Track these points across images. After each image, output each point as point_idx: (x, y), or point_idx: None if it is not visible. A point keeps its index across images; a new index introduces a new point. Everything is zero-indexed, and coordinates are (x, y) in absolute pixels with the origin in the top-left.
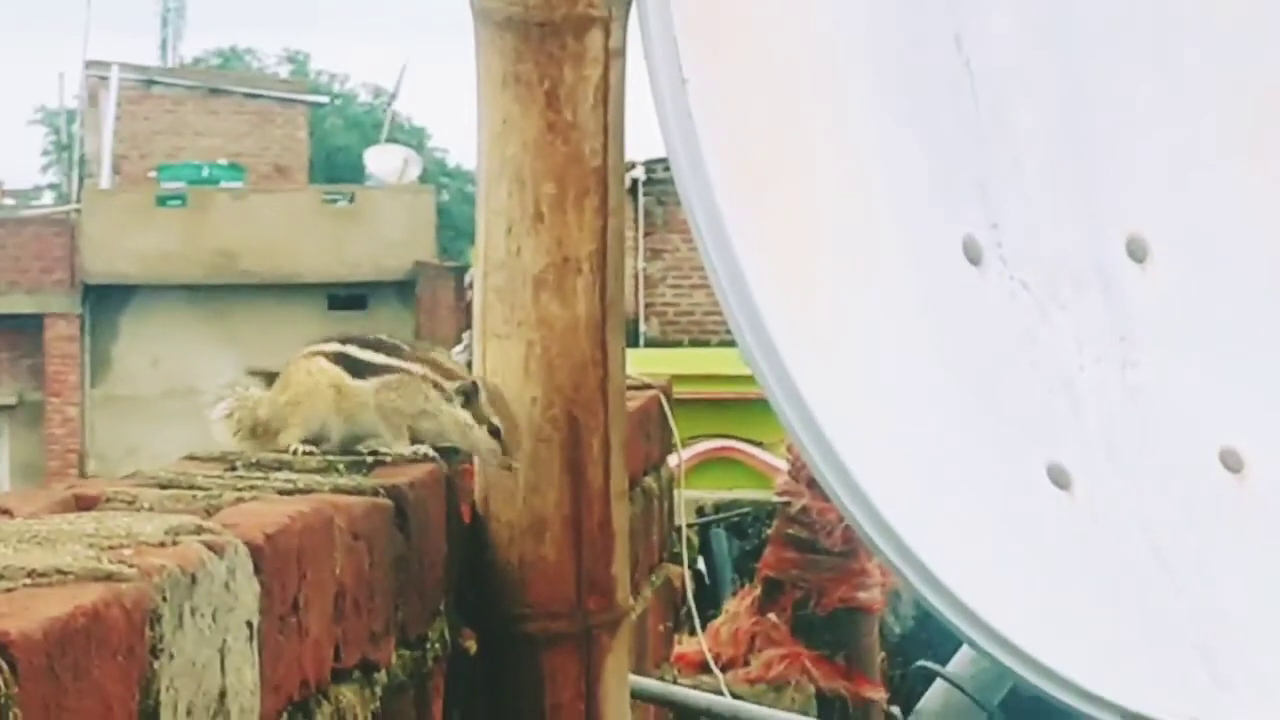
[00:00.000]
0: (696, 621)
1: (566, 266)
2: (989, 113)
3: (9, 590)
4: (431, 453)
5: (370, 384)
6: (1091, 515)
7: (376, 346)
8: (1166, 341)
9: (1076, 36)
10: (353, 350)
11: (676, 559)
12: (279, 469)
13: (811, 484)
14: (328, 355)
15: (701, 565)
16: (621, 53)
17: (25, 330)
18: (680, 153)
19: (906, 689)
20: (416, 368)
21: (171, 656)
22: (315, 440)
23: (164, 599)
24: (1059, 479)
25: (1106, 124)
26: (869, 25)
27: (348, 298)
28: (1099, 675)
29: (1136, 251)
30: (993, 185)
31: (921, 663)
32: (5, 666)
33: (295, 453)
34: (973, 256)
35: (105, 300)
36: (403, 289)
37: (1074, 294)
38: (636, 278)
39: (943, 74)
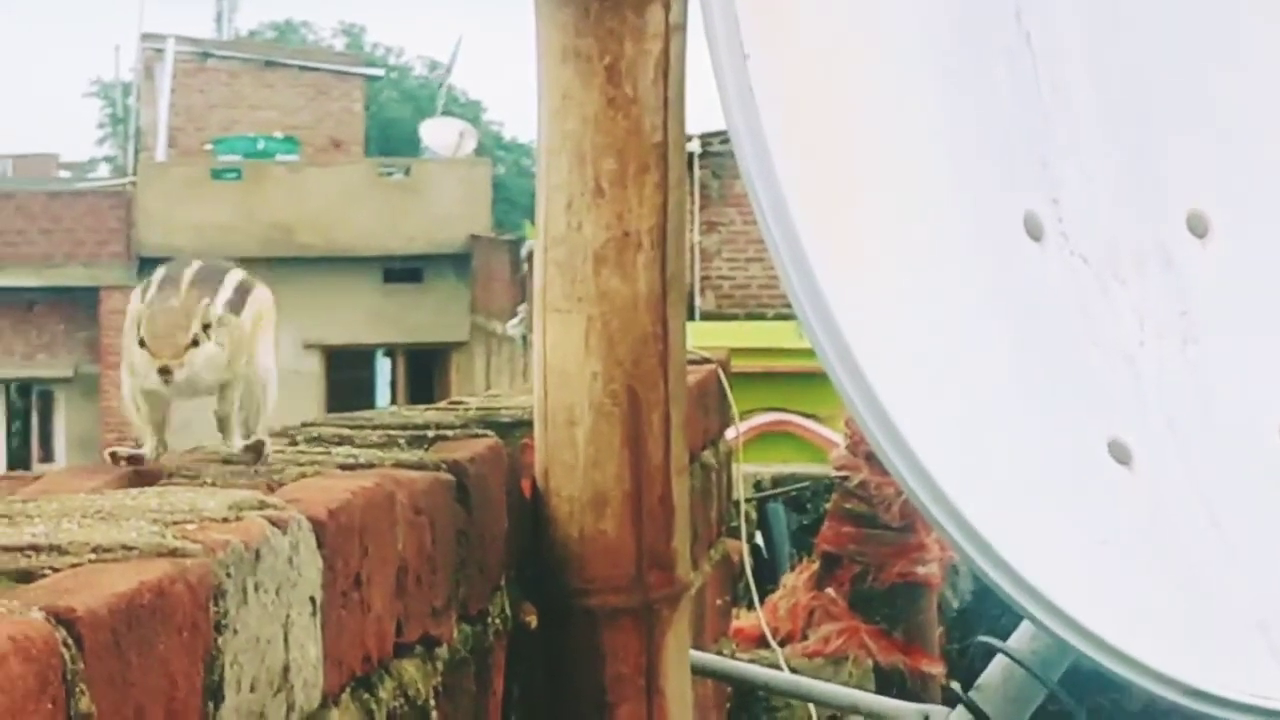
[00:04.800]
0: (755, 596)
1: (627, 241)
2: (1049, 87)
3: (74, 566)
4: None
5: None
6: (1152, 491)
7: None
8: (1227, 317)
9: (1137, 10)
10: None
11: (735, 533)
12: (340, 443)
13: (870, 458)
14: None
15: (759, 540)
16: (682, 27)
17: (81, 303)
18: (741, 129)
19: (965, 664)
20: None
21: (235, 632)
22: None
23: (228, 575)
24: (1120, 455)
25: (1168, 99)
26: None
27: (403, 271)
28: (1161, 652)
29: (1197, 227)
30: (1053, 160)
31: (981, 637)
32: (72, 643)
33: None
34: (1033, 232)
35: None
36: (458, 262)
37: (1134, 269)
38: (692, 251)
39: (1003, 48)
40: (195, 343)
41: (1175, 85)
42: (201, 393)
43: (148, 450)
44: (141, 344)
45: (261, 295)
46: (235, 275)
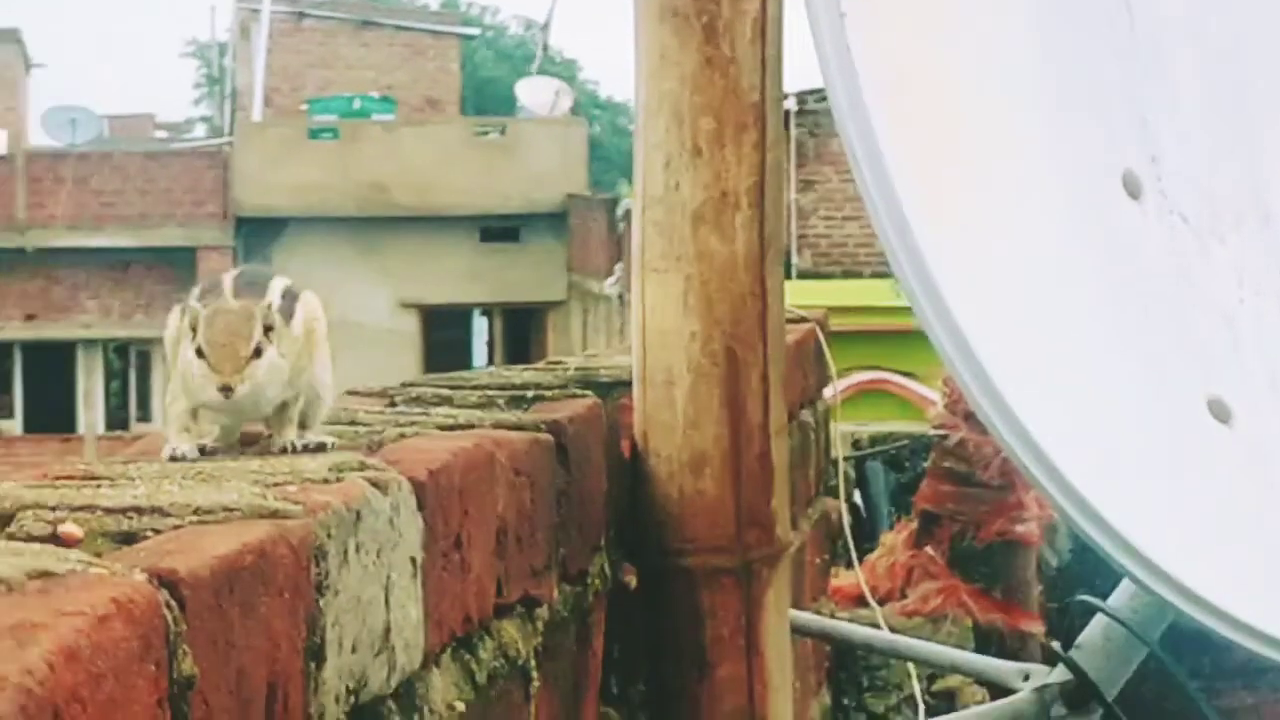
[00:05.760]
0: (853, 555)
1: (725, 201)
2: (1148, 47)
3: (176, 528)
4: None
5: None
6: (1253, 448)
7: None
8: None
9: None
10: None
11: (833, 492)
12: (439, 404)
13: (968, 417)
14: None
15: (858, 498)
16: None
17: (178, 263)
18: (838, 87)
19: (1065, 623)
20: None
21: (337, 593)
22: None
23: (329, 536)
24: (1219, 412)
25: (1266, 57)
26: None
27: (500, 230)
28: (1262, 610)
29: None
30: (1152, 119)
31: (1080, 596)
32: (174, 604)
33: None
34: (1132, 190)
35: (258, 233)
36: (554, 221)
37: (1233, 227)
38: (788, 209)
39: (1102, 8)
40: (258, 351)
41: (1274, 44)
42: (262, 411)
43: (188, 450)
44: (199, 353)
45: (310, 301)
46: (279, 282)
